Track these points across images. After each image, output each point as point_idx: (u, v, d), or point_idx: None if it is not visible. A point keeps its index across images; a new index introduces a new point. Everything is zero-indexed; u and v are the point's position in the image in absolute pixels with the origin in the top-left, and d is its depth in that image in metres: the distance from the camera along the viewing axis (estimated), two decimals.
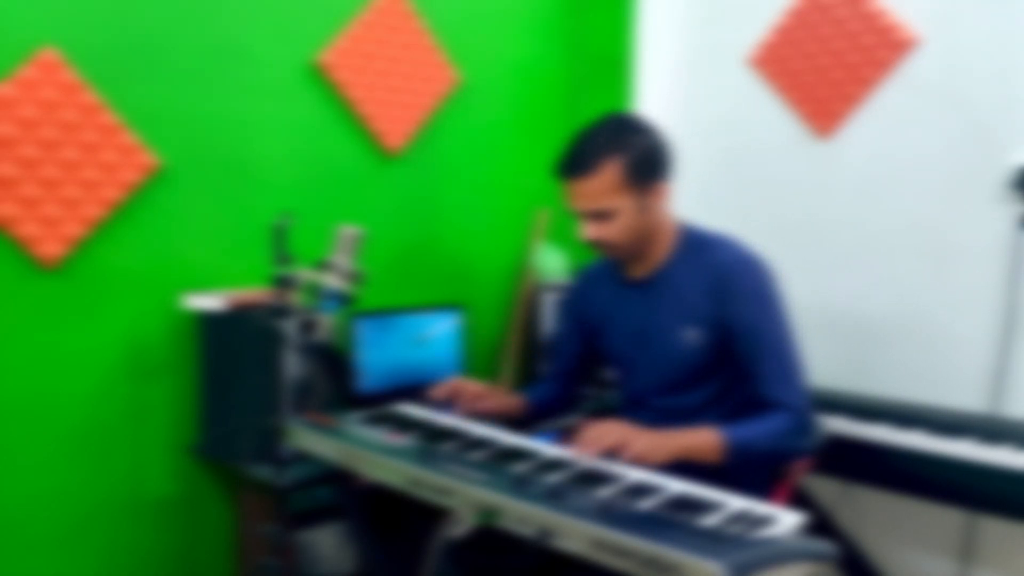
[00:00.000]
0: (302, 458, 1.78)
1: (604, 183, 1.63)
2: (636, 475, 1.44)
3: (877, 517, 2.44)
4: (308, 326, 1.87)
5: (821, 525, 2.34)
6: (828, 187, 2.54)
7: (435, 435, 1.67)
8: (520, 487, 1.35)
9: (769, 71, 2.66)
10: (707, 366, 1.72)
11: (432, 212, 2.64)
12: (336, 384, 2.06)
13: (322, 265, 1.88)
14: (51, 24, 1.87)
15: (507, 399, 1.93)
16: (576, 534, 1.18)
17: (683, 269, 1.74)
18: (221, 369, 2.07)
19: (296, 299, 1.86)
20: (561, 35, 2.96)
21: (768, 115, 2.67)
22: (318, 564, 2.15)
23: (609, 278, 1.87)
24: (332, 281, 1.87)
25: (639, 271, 1.79)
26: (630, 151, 1.64)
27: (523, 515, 1.25)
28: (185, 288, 2.09)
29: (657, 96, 2.88)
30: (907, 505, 2.35)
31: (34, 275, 1.90)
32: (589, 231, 1.69)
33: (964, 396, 2.25)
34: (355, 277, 1.90)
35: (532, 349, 2.79)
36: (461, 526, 1.35)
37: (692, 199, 2.46)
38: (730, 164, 2.78)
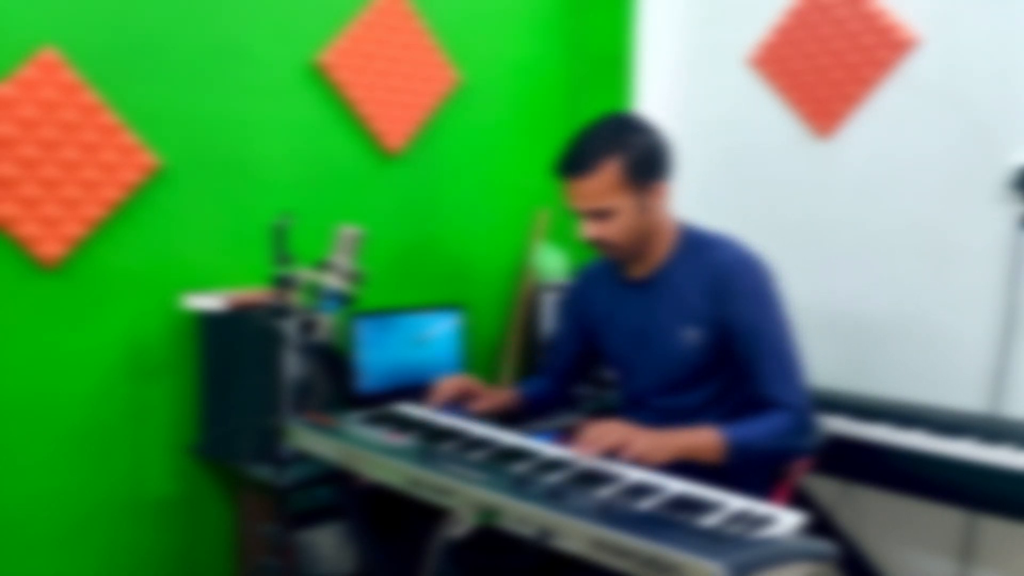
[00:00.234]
0: (302, 458, 1.78)
1: (604, 182, 1.63)
2: (636, 475, 1.44)
3: (877, 517, 2.44)
4: (308, 326, 1.87)
5: (821, 525, 2.34)
6: (828, 187, 2.54)
7: (435, 435, 1.67)
8: (520, 487, 1.35)
9: (769, 71, 2.66)
10: (706, 366, 1.72)
11: (432, 212, 2.64)
12: (336, 384, 2.06)
13: (322, 265, 1.88)
14: (51, 24, 1.87)
15: (501, 396, 1.93)
16: (576, 534, 1.18)
17: (682, 269, 1.74)
18: (221, 369, 2.07)
19: (296, 299, 1.86)
20: (561, 35, 2.96)
21: (768, 115, 2.67)
22: (318, 564, 2.15)
23: (609, 278, 1.87)
24: (332, 281, 1.87)
25: (639, 271, 1.79)
26: (630, 150, 1.64)
27: (523, 515, 1.25)
28: (185, 288, 2.09)
29: (657, 96, 2.88)
30: (907, 505, 2.35)
31: (34, 275, 1.90)
32: (589, 230, 1.69)
33: (964, 396, 2.25)
34: (355, 277, 1.90)
35: (532, 349, 2.79)
36: (461, 526, 1.35)
37: (692, 199, 2.46)
38: (730, 164, 2.77)
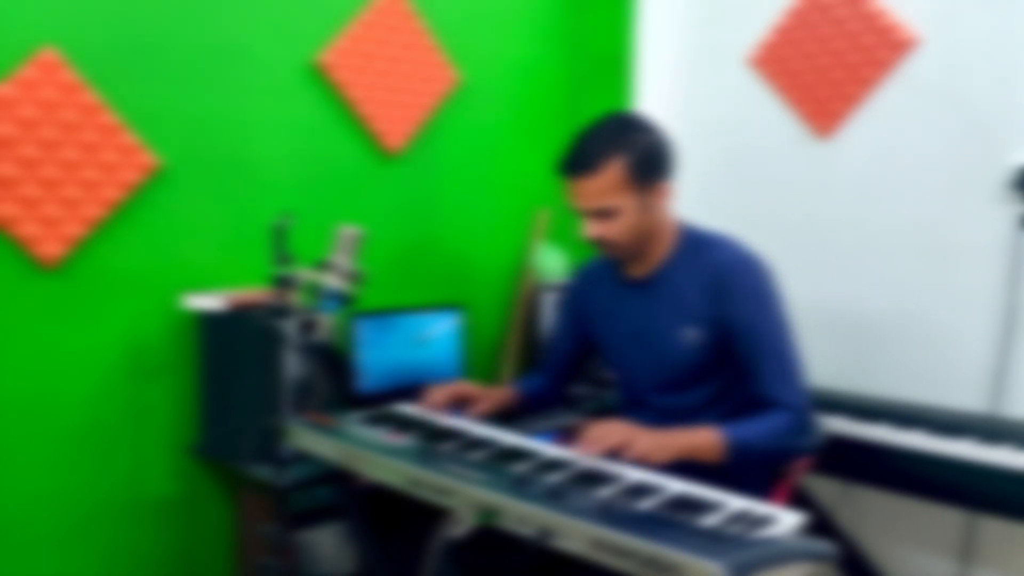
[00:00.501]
0: (302, 458, 1.78)
1: (607, 182, 1.63)
2: (636, 475, 1.44)
3: (877, 517, 2.44)
4: (308, 326, 1.87)
5: (821, 525, 2.35)
6: (828, 187, 2.54)
7: (435, 435, 1.67)
8: (520, 487, 1.35)
9: (769, 71, 2.66)
10: (706, 366, 1.72)
11: (432, 212, 2.64)
12: (336, 384, 2.06)
13: (322, 265, 1.88)
14: (51, 24, 1.87)
15: (499, 396, 1.93)
16: (576, 534, 1.18)
17: (682, 269, 1.74)
18: (221, 369, 2.07)
19: (296, 299, 1.86)
20: (561, 35, 2.96)
21: (768, 115, 2.67)
22: (318, 564, 2.15)
23: (608, 277, 1.87)
24: (332, 281, 1.87)
25: (639, 270, 1.79)
26: (633, 150, 1.64)
27: (523, 515, 1.25)
28: (185, 288, 2.09)
29: (657, 96, 2.88)
30: (907, 505, 2.35)
31: (34, 275, 1.89)
32: (591, 229, 1.69)
33: (964, 396, 2.25)
34: (355, 277, 1.90)
35: (532, 349, 2.79)
36: (461, 526, 1.35)
37: (692, 199, 2.46)
38: (730, 164, 2.78)
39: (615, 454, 1.50)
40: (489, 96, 2.75)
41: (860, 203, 2.47)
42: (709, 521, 1.24)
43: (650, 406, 1.80)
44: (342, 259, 1.89)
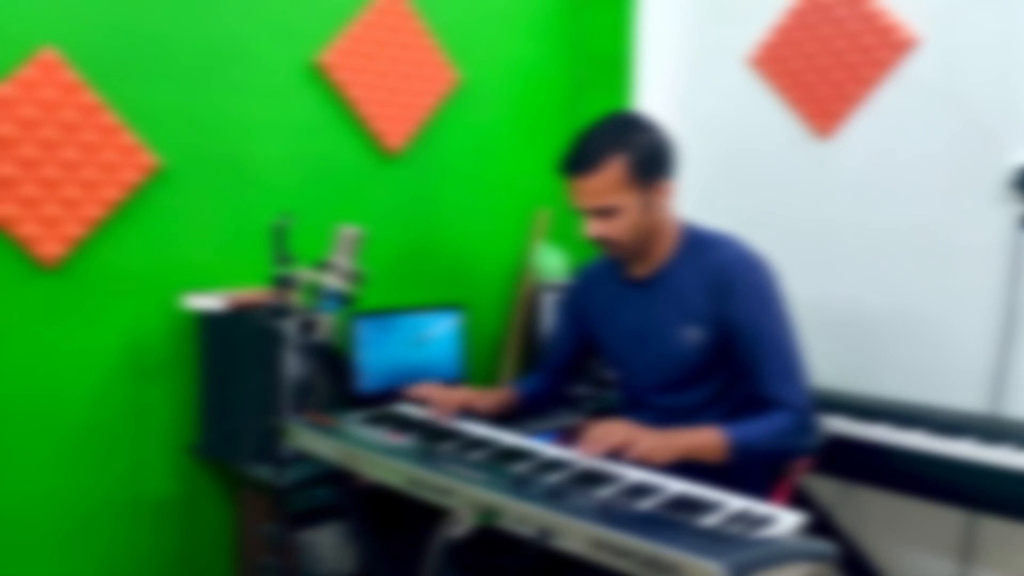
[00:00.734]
0: (302, 458, 1.78)
1: (608, 180, 1.63)
2: (636, 475, 1.44)
3: (877, 517, 2.44)
4: (308, 326, 1.87)
5: (821, 525, 2.34)
6: (828, 187, 2.54)
7: (435, 435, 1.67)
8: (520, 487, 1.35)
9: (769, 71, 2.66)
10: (707, 365, 1.71)
11: (432, 212, 2.64)
12: (336, 384, 2.06)
13: (322, 265, 1.88)
14: (51, 24, 1.87)
15: (495, 397, 1.93)
16: (576, 534, 1.18)
17: (684, 268, 1.74)
18: (221, 369, 2.07)
19: (296, 299, 1.86)
20: (561, 35, 2.96)
21: (768, 115, 2.67)
22: (318, 564, 2.15)
23: (609, 277, 1.87)
24: (332, 281, 1.87)
25: (640, 270, 1.79)
26: (634, 149, 1.64)
27: (523, 515, 1.25)
28: (185, 288, 2.09)
29: (657, 96, 2.88)
30: (907, 505, 2.35)
31: (34, 275, 1.90)
32: (593, 228, 1.69)
33: (964, 396, 2.25)
34: (355, 277, 1.90)
35: (532, 349, 2.79)
36: (461, 526, 1.35)
37: (692, 199, 2.46)
38: (730, 164, 2.78)
39: (617, 454, 1.50)
40: (489, 96, 2.75)
41: (860, 203, 2.47)
42: (709, 521, 1.24)
43: (651, 406, 1.80)
44: (342, 259, 1.89)
